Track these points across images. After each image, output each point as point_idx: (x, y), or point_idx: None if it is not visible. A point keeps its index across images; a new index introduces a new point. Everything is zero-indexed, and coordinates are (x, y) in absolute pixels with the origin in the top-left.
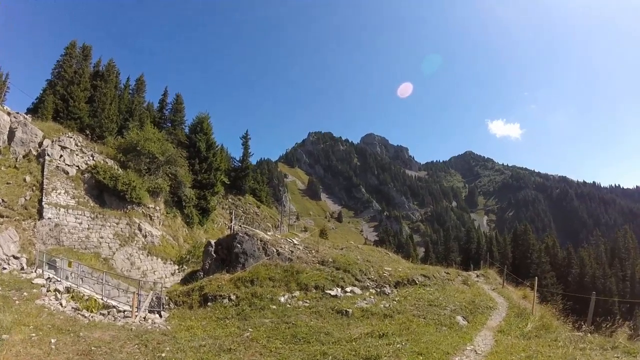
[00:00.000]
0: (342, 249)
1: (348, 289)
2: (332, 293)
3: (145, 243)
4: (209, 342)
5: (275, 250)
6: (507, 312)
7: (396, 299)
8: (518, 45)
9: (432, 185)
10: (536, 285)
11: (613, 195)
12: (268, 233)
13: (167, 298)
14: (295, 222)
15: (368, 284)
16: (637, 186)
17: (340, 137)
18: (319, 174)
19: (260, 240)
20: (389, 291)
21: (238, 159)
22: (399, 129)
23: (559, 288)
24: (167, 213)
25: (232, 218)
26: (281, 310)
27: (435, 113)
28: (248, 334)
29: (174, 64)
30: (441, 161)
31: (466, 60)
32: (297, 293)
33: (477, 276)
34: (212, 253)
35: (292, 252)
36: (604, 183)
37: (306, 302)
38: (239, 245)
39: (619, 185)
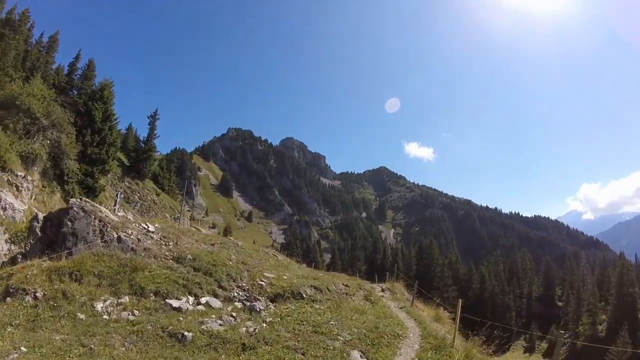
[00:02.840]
0: (213, 244)
1: (203, 300)
2: (176, 304)
3: (4, 218)
4: None
5: (116, 236)
6: (420, 344)
7: (269, 319)
8: (441, 75)
9: (344, 195)
10: (459, 310)
11: (512, 221)
12: (118, 213)
13: None
14: (204, 217)
15: (235, 295)
16: (534, 215)
17: (260, 137)
18: (233, 171)
19: (100, 221)
20: (262, 307)
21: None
22: (319, 137)
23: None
24: (43, 187)
25: (116, 200)
26: (89, 324)
27: (357, 128)
28: (16, 355)
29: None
30: (356, 173)
31: (391, 82)
32: (125, 299)
33: (383, 290)
34: (38, 231)
35: (139, 240)
36: (505, 210)
37: (133, 315)
38: (69, 224)
39: (518, 213)
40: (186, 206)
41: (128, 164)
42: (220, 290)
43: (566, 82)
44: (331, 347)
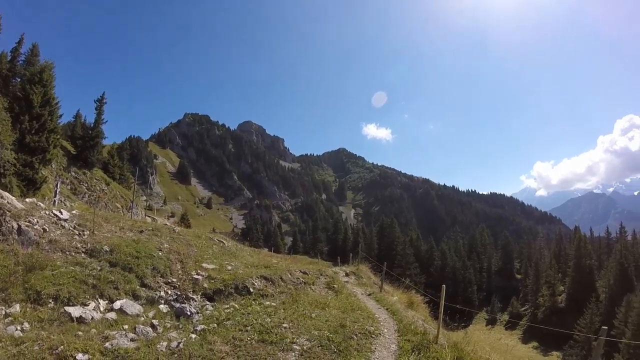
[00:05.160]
0: (142, 231)
1: (117, 304)
2: (77, 313)
3: None
4: None
5: (15, 226)
6: (398, 342)
7: (201, 326)
8: (398, 59)
9: (304, 177)
10: (443, 299)
11: (470, 198)
12: (26, 200)
13: None
14: (162, 206)
15: (161, 294)
16: (490, 192)
17: (217, 121)
18: (191, 157)
19: None
20: (194, 309)
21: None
22: (278, 120)
23: (422, 278)
24: None
25: (56, 191)
26: None
27: (315, 110)
28: None
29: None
30: (315, 155)
31: (346, 66)
32: (15, 308)
33: (347, 274)
34: None
35: (44, 231)
36: (462, 188)
37: (22, 329)
38: None
39: (475, 190)
40: (143, 196)
41: (74, 153)
42: (144, 289)
43: (523, 65)
44: None
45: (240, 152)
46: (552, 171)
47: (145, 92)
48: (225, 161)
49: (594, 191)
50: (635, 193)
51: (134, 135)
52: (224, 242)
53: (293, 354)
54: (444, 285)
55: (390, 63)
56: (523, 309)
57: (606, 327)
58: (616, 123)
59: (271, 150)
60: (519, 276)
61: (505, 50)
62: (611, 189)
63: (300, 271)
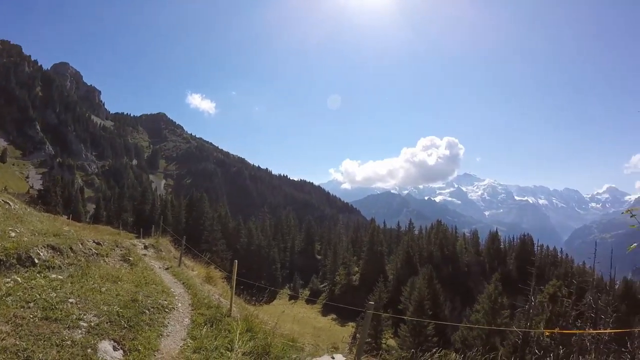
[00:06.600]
0: None
1: None
2: None
3: None
4: None
5: None
6: (191, 315)
7: None
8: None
9: (116, 139)
10: (235, 274)
11: (281, 182)
12: None
13: None
14: None
15: None
16: (300, 179)
17: (30, 56)
18: None
19: None
20: None
21: None
22: (98, 68)
23: (228, 254)
24: None
25: None
26: None
27: (141, 66)
28: None
29: None
30: (132, 115)
31: (179, 34)
32: None
33: (146, 247)
34: None
35: None
36: (275, 171)
37: None
38: None
39: (286, 175)
40: None
41: None
42: None
43: (363, 70)
44: (69, 341)
45: (49, 97)
46: (358, 169)
47: None
48: (30, 106)
49: (391, 191)
50: (425, 198)
51: None
52: (10, 203)
53: (79, 331)
54: (236, 261)
55: (227, 36)
56: (322, 285)
57: (373, 303)
58: (420, 140)
59: (85, 101)
60: (319, 257)
61: (348, 51)
62: (406, 192)
63: (94, 241)
